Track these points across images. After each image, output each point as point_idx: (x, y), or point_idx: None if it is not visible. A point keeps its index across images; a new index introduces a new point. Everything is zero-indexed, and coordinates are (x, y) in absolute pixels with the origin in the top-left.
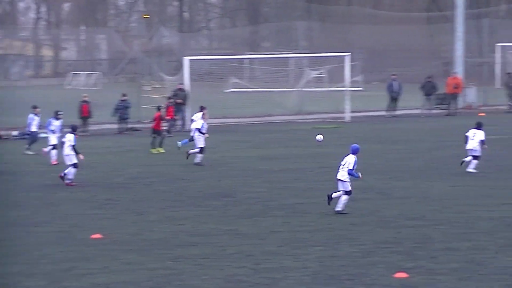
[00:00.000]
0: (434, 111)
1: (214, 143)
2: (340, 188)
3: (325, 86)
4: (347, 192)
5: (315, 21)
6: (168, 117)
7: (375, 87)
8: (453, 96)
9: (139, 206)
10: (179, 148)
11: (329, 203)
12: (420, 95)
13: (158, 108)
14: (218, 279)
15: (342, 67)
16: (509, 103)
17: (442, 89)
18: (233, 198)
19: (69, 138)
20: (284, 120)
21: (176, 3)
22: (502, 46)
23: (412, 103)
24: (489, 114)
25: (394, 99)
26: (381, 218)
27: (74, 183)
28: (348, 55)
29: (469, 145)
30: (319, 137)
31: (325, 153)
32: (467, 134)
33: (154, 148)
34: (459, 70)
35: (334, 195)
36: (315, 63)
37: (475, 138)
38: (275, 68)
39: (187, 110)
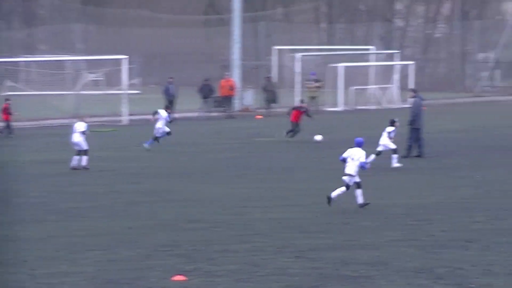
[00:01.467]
0: (212, 114)
1: None
2: (347, 181)
3: (102, 89)
4: (358, 185)
5: (92, 24)
6: None
7: (153, 90)
8: (228, 99)
9: None
10: None
11: (329, 204)
12: (198, 98)
13: None
14: None
15: (120, 70)
16: (265, 106)
17: (219, 92)
18: (9, 203)
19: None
20: (61, 123)
21: None
22: (278, 49)
23: (191, 106)
24: (267, 117)
25: (170, 102)
26: (159, 221)
27: None
28: (125, 58)
29: (382, 141)
30: (318, 137)
31: (102, 157)
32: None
33: None
34: (236, 73)
35: (333, 195)
36: (92, 66)
37: (384, 133)
38: (52, 71)
39: None
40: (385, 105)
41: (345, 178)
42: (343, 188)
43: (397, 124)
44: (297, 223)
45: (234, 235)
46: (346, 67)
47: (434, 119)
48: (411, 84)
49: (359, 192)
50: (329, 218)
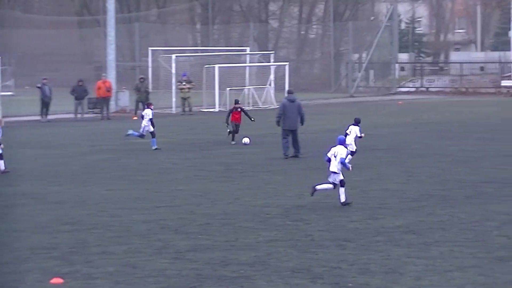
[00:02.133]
0: (87, 115)
1: None
2: (332, 180)
3: None
4: (342, 183)
5: None
6: None
7: (27, 92)
8: (105, 100)
9: None
10: None
11: (312, 195)
12: (72, 99)
13: None
14: None
15: None
16: (136, 108)
17: (94, 93)
18: None
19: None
20: None
21: None
22: (153, 50)
23: (66, 107)
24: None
25: (46, 103)
26: (36, 223)
27: None
28: None
29: (347, 140)
30: (246, 140)
31: None
32: (346, 131)
33: None
34: (111, 74)
35: (318, 187)
36: None
37: (351, 133)
38: None
39: None
40: (262, 106)
41: (330, 176)
42: (330, 186)
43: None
44: (176, 224)
45: (112, 237)
46: (222, 68)
47: (310, 120)
48: (287, 85)
49: (342, 190)
50: (208, 219)
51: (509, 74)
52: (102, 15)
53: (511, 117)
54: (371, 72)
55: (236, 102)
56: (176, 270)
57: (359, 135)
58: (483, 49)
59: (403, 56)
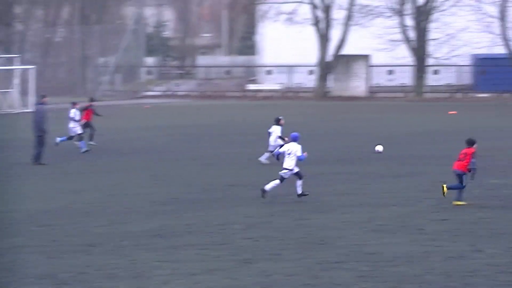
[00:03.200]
0: None
1: None
2: (282, 175)
3: None
4: (299, 176)
5: None
6: None
7: None
8: None
9: None
10: None
11: (263, 196)
12: None
13: None
14: None
15: None
16: None
17: None
18: None
19: None
20: None
21: None
22: None
23: None
24: None
25: None
26: None
27: None
28: None
29: (271, 140)
30: (379, 147)
31: None
32: (269, 130)
33: None
34: None
35: (267, 187)
36: None
37: (273, 133)
38: None
39: None
40: (6, 110)
41: (282, 172)
42: (277, 181)
43: (282, 122)
44: None
45: None
46: None
47: (55, 124)
48: (32, 89)
49: (299, 183)
50: None
51: (255, 78)
52: None
53: (256, 120)
54: (118, 76)
55: (91, 100)
56: None
57: (279, 134)
58: (229, 53)
59: (150, 60)
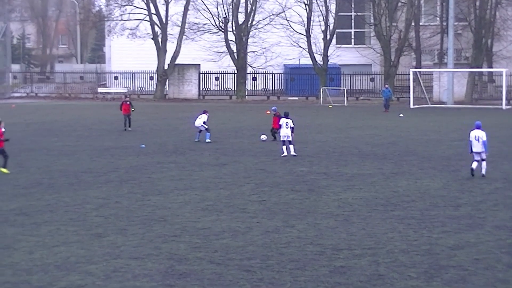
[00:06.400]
0: None
1: None
2: (284, 139)
3: None
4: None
5: None
6: None
7: None
8: None
9: None
10: None
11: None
12: None
13: None
14: None
15: None
16: None
17: None
18: None
19: None
20: None
21: None
22: None
23: None
24: None
25: None
26: None
27: None
28: None
29: (282, 132)
30: (263, 137)
31: None
32: (280, 123)
33: None
34: None
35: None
36: None
37: (288, 125)
38: None
39: None
40: None
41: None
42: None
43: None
44: None
45: None
46: None
47: None
48: None
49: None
50: None
51: (105, 82)
52: None
53: (104, 118)
54: None
55: (126, 96)
56: None
57: (292, 125)
58: (82, 61)
59: (16, 67)
